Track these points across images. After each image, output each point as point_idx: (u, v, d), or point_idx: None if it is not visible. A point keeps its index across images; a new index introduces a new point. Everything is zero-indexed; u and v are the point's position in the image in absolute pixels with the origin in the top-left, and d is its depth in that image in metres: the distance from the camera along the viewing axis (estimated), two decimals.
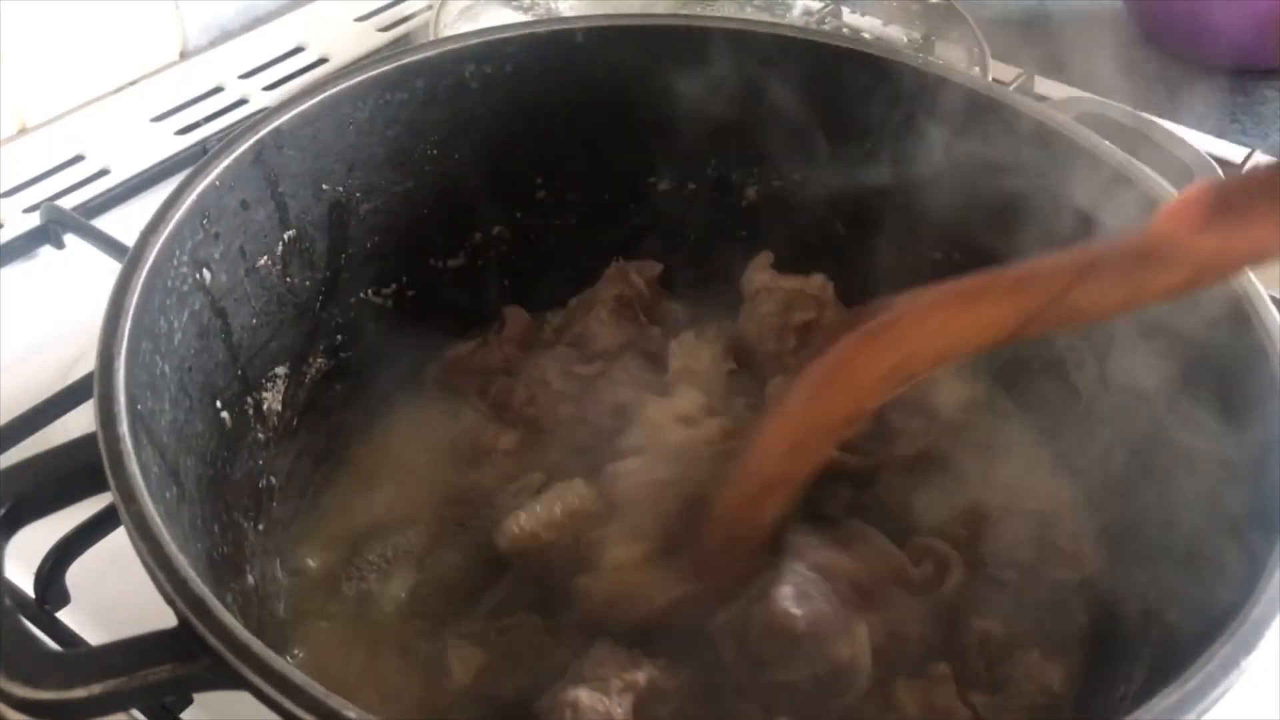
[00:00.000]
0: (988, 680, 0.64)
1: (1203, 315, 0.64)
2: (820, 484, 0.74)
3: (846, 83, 0.79)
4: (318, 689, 0.43)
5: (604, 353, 0.83)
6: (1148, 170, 0.71)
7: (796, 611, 0.61)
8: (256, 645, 0.45)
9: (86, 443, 0.54)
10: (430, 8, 1.23)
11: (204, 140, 1.09)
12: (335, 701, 0.43)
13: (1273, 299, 0.63)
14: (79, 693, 0.46)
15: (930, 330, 0.58)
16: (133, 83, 1.18)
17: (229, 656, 0.45)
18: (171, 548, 0.49)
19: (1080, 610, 0.70)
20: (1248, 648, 0.49)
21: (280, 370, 0.74)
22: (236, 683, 0.45)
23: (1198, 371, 0.65)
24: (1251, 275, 0.64)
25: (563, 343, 0.84)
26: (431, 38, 1.10)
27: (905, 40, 1.17)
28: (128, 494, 0.51)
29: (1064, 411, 0.77)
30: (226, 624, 0.46)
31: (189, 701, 0.67)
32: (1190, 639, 0.53)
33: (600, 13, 1.00)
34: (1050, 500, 0.75)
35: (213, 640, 0.46)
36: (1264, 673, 0.51)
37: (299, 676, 0.44)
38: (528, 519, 0.68)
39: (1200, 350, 0.65)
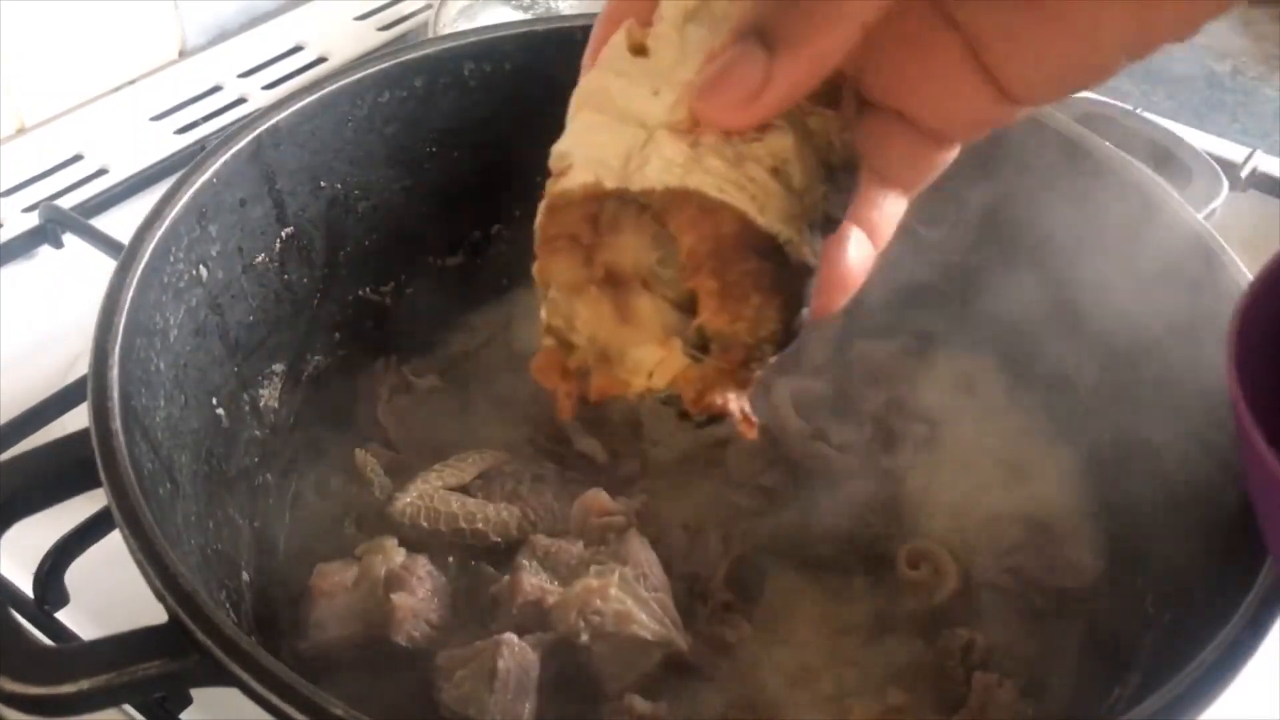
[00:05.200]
0: (958, 695, 0.64)
1: (1201, 315, 0.64)
2: (821, 489, 0.75)
3: None
4: (305, 686, 0.43)
5: None
6: (1147, 170, 0.71)
7: None
8: (245, 642, 0.45)
9: (80, 438, 0.55)
10: (429, 7, 1.23)
11: (203, 139, 1.09)
12: (322, 698, 0.43)
13: None
14: (68, 688, 0.46)
15: None
16: (131, 82, 1.17)
17: (217, 653, 0.45)
18: (162, 544, 0.49)
19: (1077, 616, 0.70)
20: (1242, 652, 0.49)
21: (277, 368, 0.74)
22: (225, 679, 0.45)
23: (1197, 374, 0.65)
24: (1247, 274, 0.63)
25: None
26: (431, 36, 1.10)
27: None
28: (120, 490, 0.51)
29: (1065, 415, 0.77)
30: (215, 620, 0.46)
31: (188, 702, 0.67)
32: (1186, 643, 0.52)
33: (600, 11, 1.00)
34: (1051, 507, 0.75)
35: (201, 636, 0.46)
36: (1262, 674, 0.51)
37: (287, 674, 0.44)
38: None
39: (1199, 352, 0.65)
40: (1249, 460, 0.49)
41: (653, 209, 0.39)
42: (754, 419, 0.41)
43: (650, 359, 0.41)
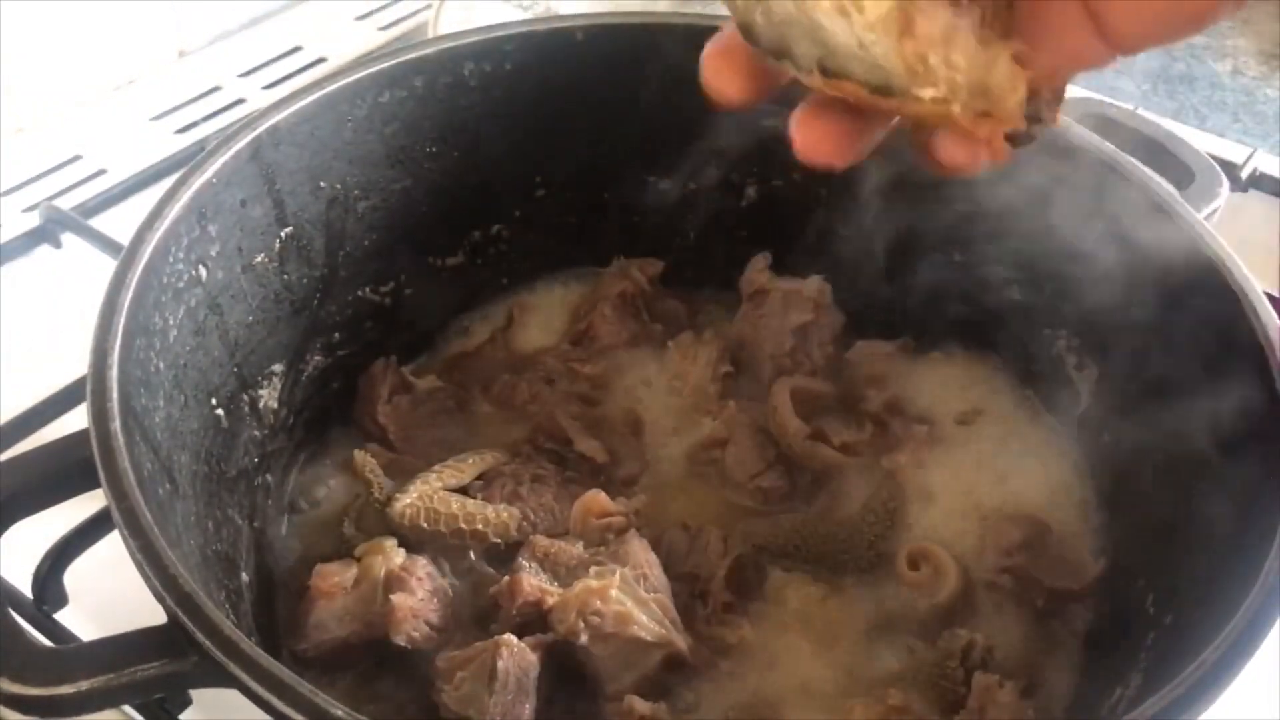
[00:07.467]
0: (958, 696, 0.64)
1: (1201, 315, 0.64)
2: (820, 489, 0.75)
3: None
4: (305, 686, 0.43)
5: (609, 349, 0.83)
6: (1149, 171, 0.71)
7: None
8: (244, 643, 0.45)
9: (79, 439, 0.54)
10: (429, 6, 1.23)
11: (202, 139, 1.09)
12: (322, 699, 0.43)
13: (1269, 297, 0.63)
14: (67, 689, 0.46)
15: None
16: (131, 82, 1.17)
17: (217, 654, 0.45)
18: (161, 544, 0.49)
19: (1078, 617, 0.70)
20: (1242, 652, 0.49)
21: (277, 368, 0.73)
22: (225, 680, 0.45)
23: (1197, 373, 0.65)
24: (1247, 274, 0.63)
25: (567, 340, 0.84)
26: (430, 36, 1.09)
27: None
28: (119, 491, 0.51)
29: (1065, 415, 0.77)
30: (215, 621, 0.46)
31: (187, 703, 0.67)
32: (1187, 643, 0.52)
33: (600, 11, 1.00)
34: (1051, 507, 0.75)
35: (201, 637, 0.46)
36: (1263, 674, 0.51)
37: (287, 674, 0.44)
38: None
39: (1200, 351, 0.65)
40: None
41: None
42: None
43: None
